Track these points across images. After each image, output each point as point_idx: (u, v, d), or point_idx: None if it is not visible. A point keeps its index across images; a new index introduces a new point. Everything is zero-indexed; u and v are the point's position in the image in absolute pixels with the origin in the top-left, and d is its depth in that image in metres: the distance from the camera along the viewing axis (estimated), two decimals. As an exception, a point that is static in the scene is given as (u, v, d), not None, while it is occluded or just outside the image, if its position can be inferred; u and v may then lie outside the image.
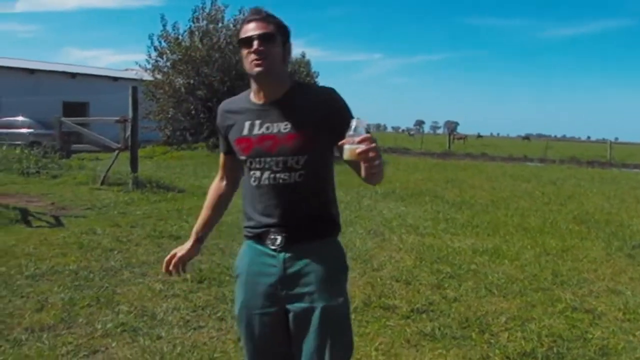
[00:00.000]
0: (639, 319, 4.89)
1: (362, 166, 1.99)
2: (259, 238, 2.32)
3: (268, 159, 2.24)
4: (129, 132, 12.60)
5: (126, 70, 39.15)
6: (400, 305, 5.04)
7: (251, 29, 2.20)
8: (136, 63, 24.90)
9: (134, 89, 12.52)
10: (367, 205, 11.20)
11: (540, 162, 29.46)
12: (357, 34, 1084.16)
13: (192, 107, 22.12)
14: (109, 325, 4.36)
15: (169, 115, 22.61)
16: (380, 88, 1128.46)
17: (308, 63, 25.61)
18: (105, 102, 28.80)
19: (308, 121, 2.21)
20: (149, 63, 23.24)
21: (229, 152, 2.45)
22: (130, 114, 12.38)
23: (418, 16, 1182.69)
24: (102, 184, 12.29)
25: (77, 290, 5.16)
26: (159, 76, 22.93)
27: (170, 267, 2.56)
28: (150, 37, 22.81)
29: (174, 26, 22.54)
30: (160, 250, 6.71)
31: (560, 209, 11.41)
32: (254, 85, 2.30)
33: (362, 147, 1.91)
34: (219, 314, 4.70)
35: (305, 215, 2.28)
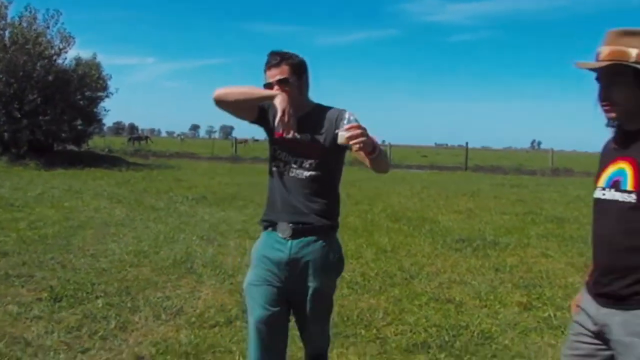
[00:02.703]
0: (494, 305, 5.33)
1: (362, 156, 2.56)
2: (273, 228, 2.82)
3: (290, 157, 2.79)
4: None
5: None
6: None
7: (271, 76, 2.74)
8: None
9: None
10: (186, 211, 10.89)
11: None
12: (129, 37, 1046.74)
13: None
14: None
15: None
16: (154, 92, 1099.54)
17: (99, 65, 24.17)
18: None
19: (320, 135, 2.76)
20: None
21: (262, 114, 2.87)
22: None
23: (192, 20, 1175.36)
24: None
25: None
26: None
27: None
28: None
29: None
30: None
31: (371, 208, 12.04)
32: None
33: (350, 132, 2.43)
34: (99, 334, 4.26)
35: (312, 209, 2.77)
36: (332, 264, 2.84)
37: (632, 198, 2.00)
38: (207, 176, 19.59)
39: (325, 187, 2.82)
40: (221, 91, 2.78)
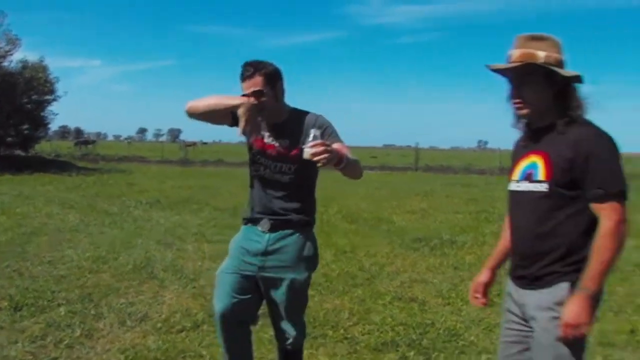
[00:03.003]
0: (457, 302, 5.44)
1: (323, 166, 2.64)
2: (253, 222, 3.05)
3: (269, 162, 2.98)
4: None
5: None
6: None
7: (246, 88, 2.88)
8: None
9: None
10: (141, 216, 10.75)
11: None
12: (74, 39, 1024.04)
13: None
14: None
15: None
16: (100, 95, 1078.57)
17: (46, 68, 23.55)
18: None
19: (299, 139, 2.88)
20: None
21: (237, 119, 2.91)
22: None
23: (139, 23, 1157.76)
24: None
25: None
26: None
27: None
28: None
29: None
30: None
31: (326, 210, 12.05)
32: None
33: (313, 150, 2.57)
34: (65, 342, 4.17)
35: (291, 207, 2.98)
36: (307, 258, 3.02)
37: (543, 187, 2.22)
38: (158, 180, 19.34)
39: (303, 189, 3.03)
40: (191, 103, 2.97)
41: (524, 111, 2.28)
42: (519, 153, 2.41)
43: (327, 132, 2.90)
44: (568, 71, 2.23)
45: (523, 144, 2.39)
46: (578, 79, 2.23)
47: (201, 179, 20.42)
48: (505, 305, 2.46)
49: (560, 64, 2.23)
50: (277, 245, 2.98)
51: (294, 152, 2.91)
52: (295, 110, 3.06)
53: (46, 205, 11.70)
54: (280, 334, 3.15)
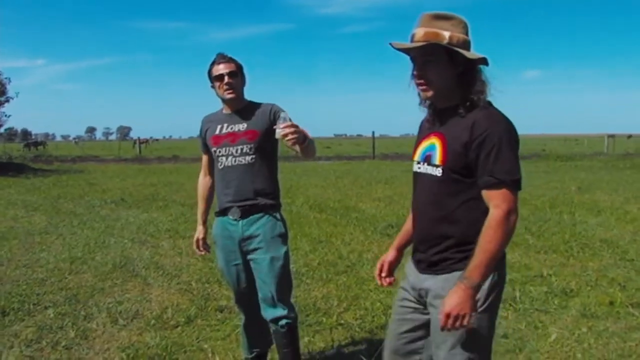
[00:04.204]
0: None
1: (291, 145, 2.94)
2: (224, 213, 3.34)
3: (231, 148, 3.28)
4: None
5: None
6: (233, 305, 4.96)
7: (222, 69, 3.25)
8: None
9: None
10: (108, 215, 10.61)
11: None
12: (16, 38, 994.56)
13: None
14: None
15: None
16: (46, 95, 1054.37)
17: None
18: None
19: (256, 122, 3.27)
20: None
21: (207, 151, 3.48)
22: None
23: (79, 20, 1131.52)
24: None
25: None
26: None
27: (201, 249, 3.62)
28: None
29: None
30: None
31: (293, 201, 12.07)
32: (224, 104, 3.38)
33: (285, 130, 2.87)
34: (62, 344, 4.17)
35: (255, 190, 3.25)
36: (280, 234, 3.31)
37: (438, 172, 2.19)
38: (118, 178, 19.04)
39: (264, 169, 3.30)
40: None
41: (428, 93, 2.21)
42: (422, 133, 2.36)
43: (280, 115, 3.10)
44: (473, 53, 2.16)
45: (428, 124, 2.34)
46: (483, 61, 2.17)
47: (162, 175, 20.18)
48: (402, 284, 2.44)
49: (465, 44, 2.16)
50: (251, 230, 3.26)
51: (252, 131, 3.25)
52: (250, 101, 3.40)
53: (9, 208, 11.43)
54: (272, 316, 3.31)
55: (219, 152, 3.32)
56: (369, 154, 34.14)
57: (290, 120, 2.97)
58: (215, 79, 3.26)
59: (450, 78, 2.16)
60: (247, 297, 3.46)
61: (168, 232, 8.82)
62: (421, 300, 2.31)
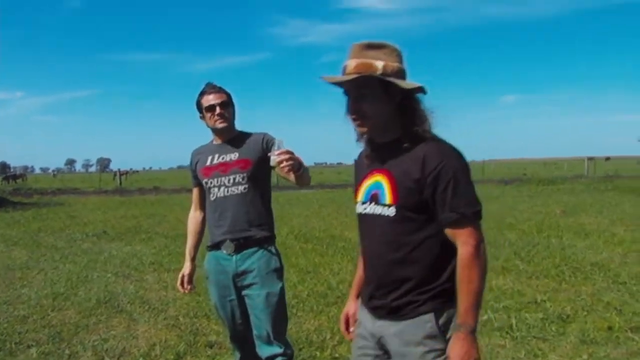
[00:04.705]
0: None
1: (286, 173, 2.87)
2: (217, 247, 3.22)
3: (222, 178, 3.20)
4: None
5: None
6: (223, 340, 4.82)
7: (212, 99, 3.19)
8: None
9: None
10: (91, 249, 10.41)
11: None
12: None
13: None
14: None
15: None
16: (25, 128, 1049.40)
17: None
18: None
19: (248, 151, 3.20)
20: None
21: (198, 184, 3.42)
22: None
23: (59, 52, 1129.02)
24: None
25: None
26: None
27: (185, 286, 3.44)
28: None
29: None
30: None
31: (278, 232, 11.71)
32: (215, 134, 3.32)
33: (280, 157, 2.75)
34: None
35: (249, 221, 3.16)
36: (275, 269, 3.20)
37: (391, 211, 2.04)
38: (99, 211, 18.77)
39: (258, 199, 3.22)
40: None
41: (364, 128, 2.08)
42: (362, 170, 2.21)
43: (275, 142, 2.98)
44: (409, 82, 2.03)
45: (367, 161, 2.18)
46: (421, 90, 2.04)
47: (144, 207, 19.94)
48: (358, 331, 2.27)
49: (400, 73, 2.03)
50: (245, 265, 3.15)
51: (244, 160, 3.19)
52: (241, 131, 3.35)
53: (-12, 243, 11.18)
54: (269, 354, 3.21)
55: (210, 182, 3.24)
56: (351, 182, 33.94)
57: (283, 147, 2.84)
58: (207, 109, 3.21)
59: (387, 111, 2.04)
60: (242, 334, 3.34)
61: (152, 265, 8.63)
62: (383, 347, 2.15)
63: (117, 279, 7.58)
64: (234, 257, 3.16)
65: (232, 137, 3.27)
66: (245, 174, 3.17)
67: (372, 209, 2.11)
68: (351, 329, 2.39)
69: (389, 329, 2.10)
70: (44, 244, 11.06)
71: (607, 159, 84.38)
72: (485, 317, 5.20)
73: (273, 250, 3.23)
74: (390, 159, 2.06)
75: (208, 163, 3.27)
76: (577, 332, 4.74)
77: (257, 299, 3.14)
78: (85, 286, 7.13)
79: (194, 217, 3.51)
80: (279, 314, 3.20)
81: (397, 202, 2.02)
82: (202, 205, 3.45)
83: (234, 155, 3.21)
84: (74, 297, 6.56)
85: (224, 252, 3.18)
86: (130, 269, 8.35)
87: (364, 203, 2.15)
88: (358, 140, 2.20)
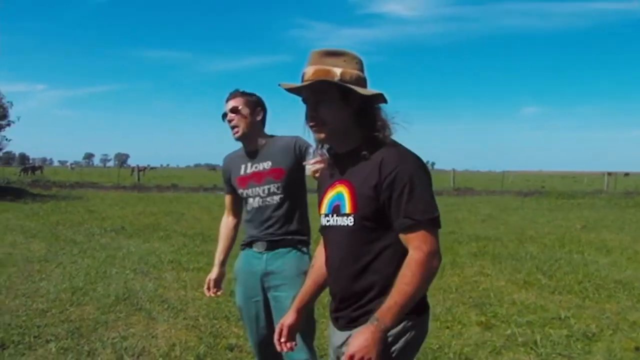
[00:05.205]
0: (455, 325, 5.41)
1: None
2: (250, 245, 3.19)
3: (257, 188, 3.15)
4: None
5: None
6: (244, 343, 4.77)
7: (227, 105, 3.17)
8: None
9: None
10: (109, 244, 10.40)
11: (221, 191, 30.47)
12: (17, 63, 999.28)
13: None
14: None
15: None
16: (45, 120, 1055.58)
17: (-2, 93, 22.79)
18: None
19: (280, 159, 3.12)
20: None
21: (231, 192, 3.38)
22: None
23: (81, 47, 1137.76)
24: None
25: None
26: None
27: (211, 289, 3.39)
28: None
29: None
30: None
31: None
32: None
33: (316, 166, 2.54)
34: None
35: (286, 231, 3.10)
36: (304, 273, 2.88)
37: (349, 221, 2.01)
38: (117, 206, 18.83)
39: (293, 207, 3.14)
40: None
41: (322, 135, 2.04)
42: (325, 182, 2.17)
43: (310, 150, 2.92)
44: (367, 90, 2.01)
45: (330, 172, 2.15)
46: (380, 98, 2.02)
47: (162, 204, 19.98)
48: (330, 350, 2.24)
49: (359, 81, 2.01)
50: (275, 265, 3.09)
51: (277, 170, 3.11)
52: (272, 136, 3.26)
53: (7, 234, 11.23)
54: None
55: (246, 193, 3.20)
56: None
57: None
58: (222, 116, 3.21)
59: (345, 118, 2.00)
60: (265, 339, 3.21)
61: (171, 263, 8.61)
62: (339, 358, 2.08)
63: (136, 276, 7.55)
64: (265, 255, 3.12)
65: (263, 144, 3.20)
66: (279, 184, 3.10)
67: (334, 220, 2.07)
68: (282, 339, 2.27)
69: (343, 338, 2.07)
70: (63, 237, 11.09)
71: (627, 174, 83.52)
72: (509, 332, 5.13)
73: (305, 250, 3.16)
74: (350, 168, 2.04)
75: (242, 172, 3.23)
76: (604, 352, 4.64)
77: (284, 301, 2.95)
78: (104, 282, 7.11)
79: (226, 222, 3.48)
80: (307, 319, 3.00)
81: (356, 211, 1.99)
82: (235, 212, 3.42)
83: (266, 164, 3.15)
84: (93, 292, 6.54)
85: (255, 250, 3.15)
86: (149, 266, 8.32)
87: (326, 215, 2.11)
88: (317, 148, 2.20)
